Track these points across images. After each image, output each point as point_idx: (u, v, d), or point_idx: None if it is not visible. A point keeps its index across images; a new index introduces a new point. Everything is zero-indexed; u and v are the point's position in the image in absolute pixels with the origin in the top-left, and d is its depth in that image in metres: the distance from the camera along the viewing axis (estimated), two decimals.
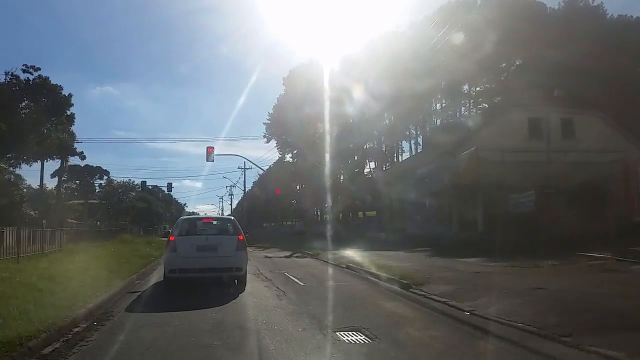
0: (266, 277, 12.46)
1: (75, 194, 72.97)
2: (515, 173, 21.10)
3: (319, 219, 46.85)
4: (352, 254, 19.28)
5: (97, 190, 76.66)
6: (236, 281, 10.34)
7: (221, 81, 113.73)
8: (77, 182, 79.16)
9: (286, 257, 21.54)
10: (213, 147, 31.16)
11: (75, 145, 42.20)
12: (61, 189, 50.24)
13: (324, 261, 18.02)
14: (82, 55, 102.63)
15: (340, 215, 52.69)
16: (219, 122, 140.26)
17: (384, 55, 40.73)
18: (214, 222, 13.06)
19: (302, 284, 11.24)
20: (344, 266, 15.19)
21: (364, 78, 41.73)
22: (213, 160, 31.22)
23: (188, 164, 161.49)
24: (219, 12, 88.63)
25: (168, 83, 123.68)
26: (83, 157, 46.89)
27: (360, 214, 52.50)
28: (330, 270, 15.00)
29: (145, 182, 51.83)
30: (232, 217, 13.91)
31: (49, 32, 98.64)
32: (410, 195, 32.41)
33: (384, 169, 55.09)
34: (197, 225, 12.00)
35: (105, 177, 76.92)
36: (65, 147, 38.03)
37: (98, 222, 54.46)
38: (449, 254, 17.59)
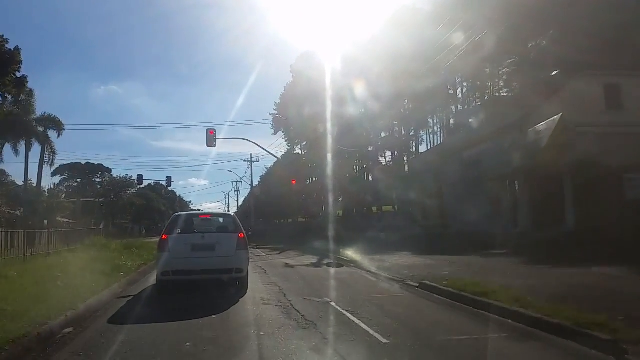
0: (302, 315, 6.84)
1: (77, 192, 69.08)
2: (609, 149, 16.01)
3: (338, 214, 41.68)
4: (403, 261, 14.34)
5: (99, 188, 72.95)
6: (237, 282, 9.43)
7: (224, 77, 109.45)
8: (79, 180, 76.03)
9: (314, 265, 15.91)
10: (214, 130, 26.02)
11: (45, 126, 34.55)
12: (41, 185, 44.74)
13: (372, 273, 12.49)
14: (86, 55, 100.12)
15: (354, 210, 47.85)
16: (222, 119, 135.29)
17: (399, 38, 35.37)
18: (212, 219, 11.95)
19: (383, 340, 5.50)
20: (415, 285, 9.73)
21: (376, 66, 37.13)
22: (215, 145, 26.12)
23: (193, 161, 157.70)
24: (221, 7, 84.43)
25: (171, 80, 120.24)
26: (45, 137, 38.10)
27: (375, 208, 47.31)
28: (398, 293, 9.45)
29: (142, 175, 46.36)
30: (232, 213, 13.37)
31: (52, 32, 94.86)
32: (452, 185, 27.20)
33: (405, 159, 50.17)
34: (193, 222, 10.71)
35: (107, 175, 73.16)
36: (19, 123, 29.74)
37: (93, 221, 50.24)
38: (549, 260, 12.48)
